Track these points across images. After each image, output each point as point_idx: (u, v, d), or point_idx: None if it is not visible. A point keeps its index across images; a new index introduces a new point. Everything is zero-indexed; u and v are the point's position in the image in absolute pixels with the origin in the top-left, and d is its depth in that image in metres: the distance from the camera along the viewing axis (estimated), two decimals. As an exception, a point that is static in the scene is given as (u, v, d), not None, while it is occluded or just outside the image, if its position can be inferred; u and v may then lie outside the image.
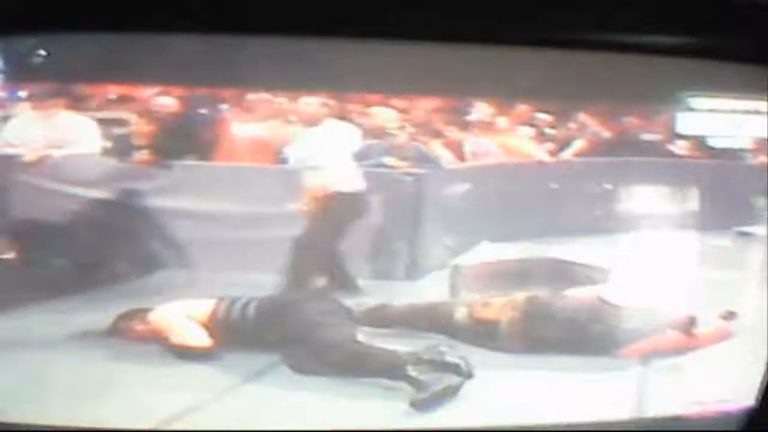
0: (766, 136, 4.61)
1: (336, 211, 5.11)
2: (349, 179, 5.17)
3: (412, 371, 4.32)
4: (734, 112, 4.57)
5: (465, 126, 5.90)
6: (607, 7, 3.58)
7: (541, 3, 3.57)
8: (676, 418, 4.26)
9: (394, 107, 5.61)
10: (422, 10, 3.46)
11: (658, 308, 4.84)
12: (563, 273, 5.21)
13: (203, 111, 5.65)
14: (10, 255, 5.15)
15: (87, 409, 3.96)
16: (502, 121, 5.96)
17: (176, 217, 5.19)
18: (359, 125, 5.42)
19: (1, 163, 5.18)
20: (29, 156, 5.21)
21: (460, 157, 5.88)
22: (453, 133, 5.86)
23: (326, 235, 5.13)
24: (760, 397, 3.94)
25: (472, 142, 5.90)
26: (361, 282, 5.25)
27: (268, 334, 4.59)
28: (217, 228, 5.23)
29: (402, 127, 5.58)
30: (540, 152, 5.96)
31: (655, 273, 5.01)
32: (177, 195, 5.26)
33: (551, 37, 3.62)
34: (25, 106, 5.30)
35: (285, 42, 3.70)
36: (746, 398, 4.00)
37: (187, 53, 3.92)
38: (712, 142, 4.97)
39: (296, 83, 4.61)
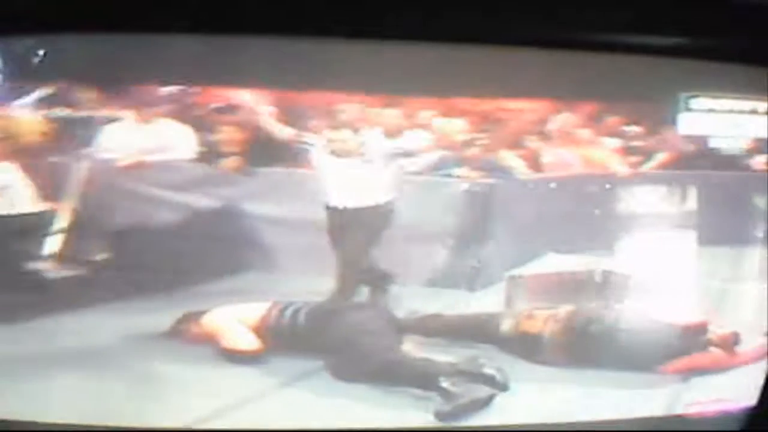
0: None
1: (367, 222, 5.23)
2: (384, 189, 5.25)
3: (444, 382, 4.44)
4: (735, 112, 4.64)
5: (546, 137, 5.90)
6: (607, 8, 3.66)
7: (542, 3, 3.66)
8: (677, 418, 4.34)
9: (467, 115, 5.67)
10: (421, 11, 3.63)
11: (703, 325, 4.82)
12: (617, 286, 5.17)
13: (291, 119, 5.81)
14: (103, 256, 5.52)
15: (126, 406, 4.26)
16: (585, 132, 5.94)
17: (260, 222, 5.44)
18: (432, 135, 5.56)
19: (97, 167, 5.38)
20: (125, 161, 5.50)
21: (537, 167, 5.89)
22: (533, 143, 5.87)
23: (361, 245, 5.24)
24: (760, 397, 4.04)
25: (552, 153, 5.90)
26: (422, 290, 5.33)
27: (315, 339, 4.76)
28: (297, 234, 5.38)
29: (474, 138, 5.65)
30: (619, 164, 5.89)
31: (707, 290, 4.97)
32: (262, 201, 5.48)
33: (551, 37, 3.72)
34: (125, 113, 5.59)
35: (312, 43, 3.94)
36: (747, 398, 4.11)
37: (188, 53, 4.11)
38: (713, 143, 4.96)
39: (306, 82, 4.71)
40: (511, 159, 5.74)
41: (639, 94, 4.73)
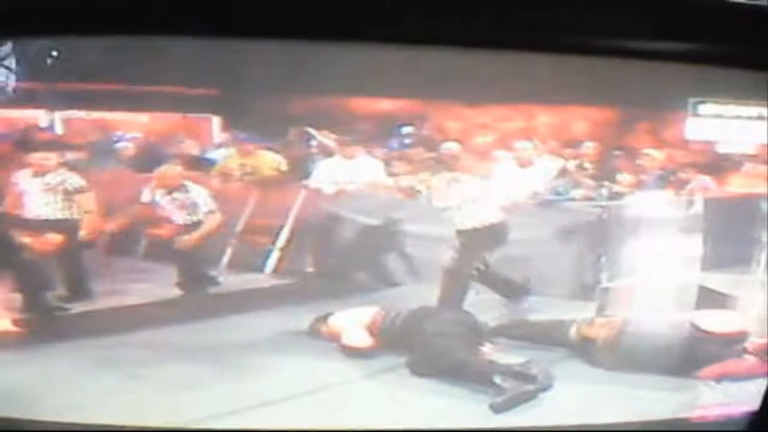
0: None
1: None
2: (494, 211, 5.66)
3: (497, 379, 4.82)
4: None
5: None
6: (616, 14, 3.59)
7: (550, 9, 3.58)
8: (681, 421, 4.40)
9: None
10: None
11: (742, 334, 4.88)
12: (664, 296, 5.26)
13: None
14: (311, 269, 6.46)
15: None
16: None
17: (420, 239, 6.13)
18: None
19: (310, 195, 6.38)
20: (328, 189, 6.46)
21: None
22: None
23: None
24: (762, 401, 3.90)
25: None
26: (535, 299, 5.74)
27: (403, 339, 5.22)
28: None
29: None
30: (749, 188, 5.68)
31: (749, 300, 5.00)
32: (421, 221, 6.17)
33: (559, 42, 3.66)
34: (335, 151, 6.65)
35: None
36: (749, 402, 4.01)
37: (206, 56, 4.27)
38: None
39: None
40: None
41: (647, 99, 4.77)
